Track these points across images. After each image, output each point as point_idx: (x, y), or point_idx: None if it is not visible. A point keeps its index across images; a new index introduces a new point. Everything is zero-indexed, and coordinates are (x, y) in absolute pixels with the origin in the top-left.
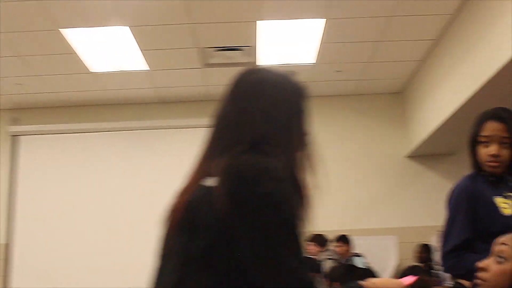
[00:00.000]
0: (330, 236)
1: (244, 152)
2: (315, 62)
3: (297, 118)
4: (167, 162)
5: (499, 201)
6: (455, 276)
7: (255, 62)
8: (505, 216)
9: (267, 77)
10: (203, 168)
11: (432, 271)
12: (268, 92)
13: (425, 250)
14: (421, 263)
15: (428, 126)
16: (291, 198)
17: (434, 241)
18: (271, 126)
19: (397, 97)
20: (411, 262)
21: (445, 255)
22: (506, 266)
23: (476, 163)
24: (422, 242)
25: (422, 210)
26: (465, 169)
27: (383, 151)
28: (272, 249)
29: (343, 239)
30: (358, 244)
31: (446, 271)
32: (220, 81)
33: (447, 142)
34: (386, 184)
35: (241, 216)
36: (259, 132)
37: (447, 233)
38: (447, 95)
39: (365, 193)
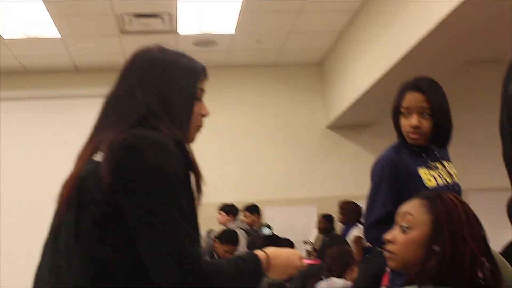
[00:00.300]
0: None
1: (132, 126)
2: (235, 31)
3: (189, 96)
4: (85, 132)
5: (423, 172)
6: (377, 247)
7: (175, 31)
8: (428, 188)
9: (161, 56)
10: (94, 143)
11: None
12: (159, 70)
13: (326, 220)
14: (322, 233)
15: (348, 97)
16: (177, 172)
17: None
18: (160, 101)
19: (318, 68)
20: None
21: (368, 227)
22: (411, 235)
23: (401, 134)
24: (323, 213)
25: (342, 180)
26: (384, 140)
27: (304, 122)
28: (156, 222)
29: (252, 209)
30: (279, 214)
31: (369, 242)
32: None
33: (367, 113)
34: (307, 154)
35: (127, 189)
36: (148, 107)
37: (371, 206)
38: (367, 66)
39: (285, 164)
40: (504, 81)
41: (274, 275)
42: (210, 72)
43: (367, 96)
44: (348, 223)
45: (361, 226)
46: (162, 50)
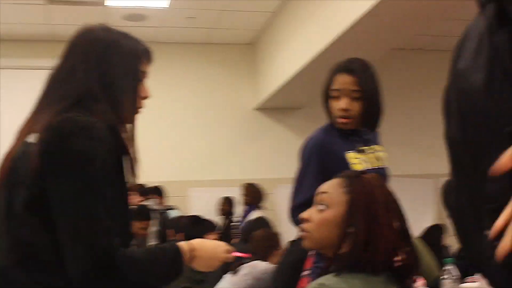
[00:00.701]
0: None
1: (67, 108)
2: (168, 6)
3: (131, 77)
4: (5, 105)
5: (351, 156)
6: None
7: (102, 3)
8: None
9: (104, 36)
10: (30, 124)
11: (232, 223)
12: (101, 50)
13: (227, 203)
14: (223, 215)
15: (277, 79)
16: (105, 158)
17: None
18: (101, 82)
19: (249, 49)
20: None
21: (294, 209)
22: (326, 214)
23: (331, 116)
24: (224, 195)
25: (269, 162)
26: (312, 123)
27: (233, 103)
28: (73, 209)
29: (155, 191)
30: (204, 195)
31: (294, 224)
32: (66, 20)
33: (296, 96)
34: (234, 135)
35: (51, 173)
36: (87, 87)
37: (297, 187)
38: (297, 49)
39: (212, 144)
40: (453, 58)
41: (198, 267)
42: None
43: (297, 79)
44: (251, 206)
45: (261, 208)
46: (106, 30)
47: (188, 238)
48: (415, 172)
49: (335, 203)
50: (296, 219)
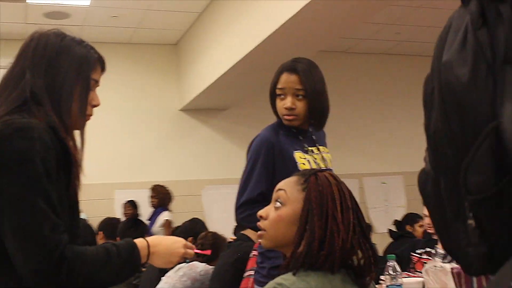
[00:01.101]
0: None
1: (10, 112)
2: (89, 4)
3: (80, 84)
4: None
5: (298, 156)
6: (248, 227)
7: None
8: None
9: (56, 42)
10: None
11: (140, 226)
12: (51, 55)
13: (131, 206)
14: (129, 219)
15: (203, 81)
16: (44, 158)
17: (204, 194)
18: (47, 86)
19: (174, 49)
20: (182, 214)
21: (239, 207)
22: (282, 211)
23: (278, 115)
24: (128, 198)
25: (194, 164)
26: (237, 125)
27: (158, 103)
28: (17, 207)
29: None
30: (131, 197)
31: (239, 222)
32: None
33: (221, 97)
34: (159, 137)
35: None
36: (30, 93)
37: (244, 185)
38: (223, 51)
39: (138, 146)
40: (437, 49)
41: (157, 264)
42: None
43: (223, 80)
44: (160, 208)
45: (170, 210)
46: (59, 35)
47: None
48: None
49: (291, 201)
50: (241, 217)
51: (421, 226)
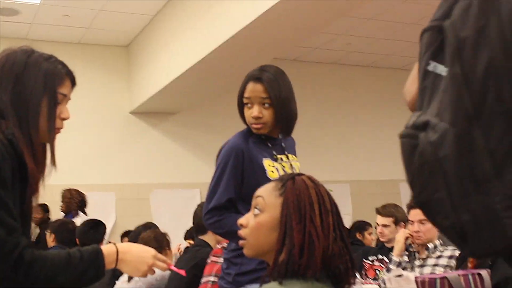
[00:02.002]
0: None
1: None
2: (40, 2)
3: (45, 99)
4: None
5: (267, 163)
6: (216, 233)
7: None
8: (270, 179)
9: (23, 58)
10: None
11: (100, 227)
12: (18, 71)
13: (42, 210)
14: (37, 225)
15: (154, 84)
16: (0, 164)
17: (152, 197)
18: (12, 101)
19: (125, 51)
20: (130, 218)
21: (207, 213)
22: (261, 218)
23: (246, 124)
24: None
25: (142, 167)
26: (187, 129)
27: (107, 106)
28: None
29: None
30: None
31: (207, 228)
32: None
33: (172, 101)
34: (108, 139)
35: None
36: None
37: (212, 191)
38: (176, 55)
39: (86, 148)
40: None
41: (125, 271)
42: (9, 44)
43: (174, 85)
44: (70, 213)
45: (82, 214)
46: (26, 52)
47: (84, 243)
48: None
49: (269, 207)
50: (209, 223)
51: (370, 234)
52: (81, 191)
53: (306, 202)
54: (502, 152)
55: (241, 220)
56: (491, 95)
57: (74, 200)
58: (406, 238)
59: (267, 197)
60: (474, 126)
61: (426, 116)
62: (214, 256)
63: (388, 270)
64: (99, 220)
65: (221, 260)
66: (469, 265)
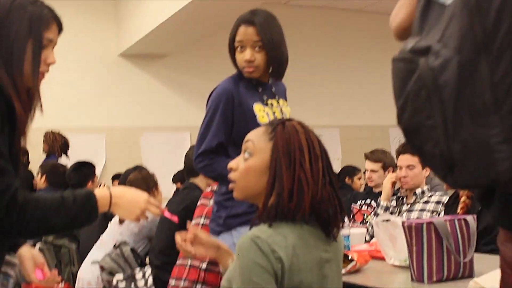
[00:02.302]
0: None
1: None
2: None
3: (30, 43)
4: None
5: (258, 108)
6: (207, 177)
7: None
8: (260, 124)
9: (7, 1)
10: None
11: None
12: (2, 15)
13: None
14: (78, 162)
15: (143, 26)
16: None
17: (142, 141)
18: None
19: None
20: (120, 161)
21: (197, 157)
22: (251, 162)
23: (238, 67)
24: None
25: (131, 110)
26: (177, 72)
27: (96, 48)
28: None
29: None
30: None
31: (197, 170)
32: None
33: (161, 44)
34: (98, 82)
35: None
36: None
37: (202, 134)
38: None
39: (75, 91)
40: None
41: (120, 214)
42: None
43: (164, 27)
44: (52, 155)
45: (65, 157)
46: None
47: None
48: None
49: (259, 151)
50: (199, 167)
51: (359, 178)
52: (63, 134)
53: (296, 147)
54: (505, 87)
55: (231, 164)
56: (505, 27)
57: (57, 143)
58: (393, 183)
59: (257, 141)
60: (481, 56)
61: (427, 41)
62: (204, 198)
63: (376, 214)
64: (89, 162)
65: (211, 202)
66: (459, 211)
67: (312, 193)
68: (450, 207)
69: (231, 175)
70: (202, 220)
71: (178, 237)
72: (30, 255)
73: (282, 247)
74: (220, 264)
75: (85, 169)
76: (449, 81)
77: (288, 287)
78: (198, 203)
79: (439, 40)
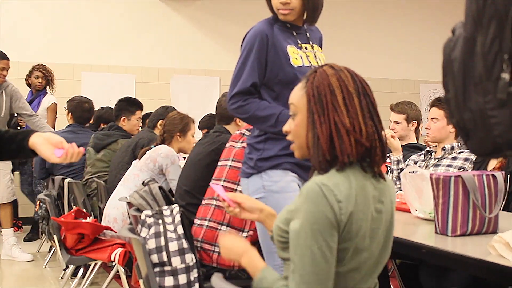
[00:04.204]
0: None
1: None
2: None
3: None
4: None
5: (291, 50)
6: (238, 118)
7: None
8: (293, 66)
9: None
10: None
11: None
12: None
13: None
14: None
15: None
16: None
17: (172, 83)
18: None
19: None
20: (149, 102)
21: (231, 98)
22: (296, 120)
23: (273, 10)
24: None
25: (163, 51)
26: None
27: None
28: None
29: None
30: (97, 80)
31: (231, 112)
32: None
33: None
34: (130, 21)
35: None
36: None
37: (236, 76)
38: None
39: (107, 28)
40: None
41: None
42: None
43: None
44: (43, 90)
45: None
46: None
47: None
48: None
49: (299, 108)
50: (232, 108)
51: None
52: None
53: (327, 91)
54: (492, 55)
55: (285, 128)
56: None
57: (52, 78)
58: (392, 137)
59: (296, 100)
60: (478, 30)
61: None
62: (232, 141)
63: (391, 170)
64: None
65: (238, 145)
66: (492, 169)
67: (353, 132)
68: (479, 164)
69: (288, 137)
70: (230, 162)
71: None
72: (41, 140)
73: (347, 196)
74: (265, 225)
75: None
76: (457, 56)
77: (346, 235)
78: (227, 145)
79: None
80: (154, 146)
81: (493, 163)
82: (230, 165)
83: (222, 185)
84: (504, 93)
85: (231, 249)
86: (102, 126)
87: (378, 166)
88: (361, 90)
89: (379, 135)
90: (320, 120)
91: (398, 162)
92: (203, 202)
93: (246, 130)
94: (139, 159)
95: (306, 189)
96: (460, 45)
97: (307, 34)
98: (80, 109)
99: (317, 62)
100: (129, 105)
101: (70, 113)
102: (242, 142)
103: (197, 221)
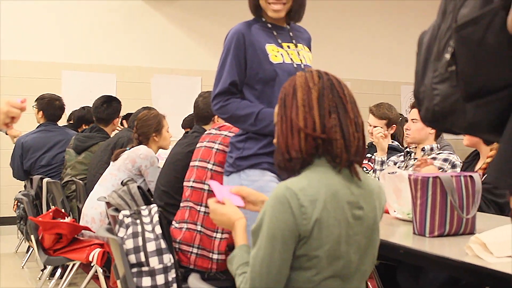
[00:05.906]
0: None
1: None
2: None
3: None
4: None
5: (270, 48)
6: (222, 119)
7: None
8: (273, 63)
9: None
10: None
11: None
12: None
13: None
14: (103, 96)
15: None
16: None
17: (153, 82)
18: None
19: None
20: (130, 101)
21: (214, 99)
22: (277, 125)
23: (257, 9)
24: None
25: (144, 50)
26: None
27: None
28: None
29: None
30: (78, 79)
31: (214, 112)
32: None
33: None
34: (111, 20)
35: None
36: None
37: (217, 77)
38: None
39: (88, 27)
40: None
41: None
42: None
43: None
44: None
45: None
46: None
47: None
48: None
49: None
50: (214, 108)
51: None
52: None
53: (290, 92)
54: (444, 40)
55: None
56: None
57: None
58: (385, 136)
59: (276, 105)
60: (442, 21)
61: None
62: (209, 142)
63: (374, 170)
64: (113, 96)
65: (204, 144)
66: (479, 170)
67: (305, 128)
68: (469, 163)
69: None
70: (196, 163)
71: (211, 202)
72: None
73: (312, 200)
74: None
75: (116, 104)
76: (426, 40)
77: (314, 242)
78: (202, 145)
79: None
80: (129, 149)
81: (480, 164)
82: (197, 166)
83: (191, 186)
84: (443, 68)
85: (225, 214)
86: (84, 127)
87: (342, 160)
88: (326, 86)
89: (342, 128)
90: (281, 120)
91: (382, 163)
92: (181, 204)
93: (213, 129)
94: (113, 161)
95: (273, 191)
96: (430, 31)
97: (290, 33)
98: (52, 107)
99: (301, 60)
100: (119, 105)
101: (41, 112)
102: (208, 142)
103: (175, 224)
